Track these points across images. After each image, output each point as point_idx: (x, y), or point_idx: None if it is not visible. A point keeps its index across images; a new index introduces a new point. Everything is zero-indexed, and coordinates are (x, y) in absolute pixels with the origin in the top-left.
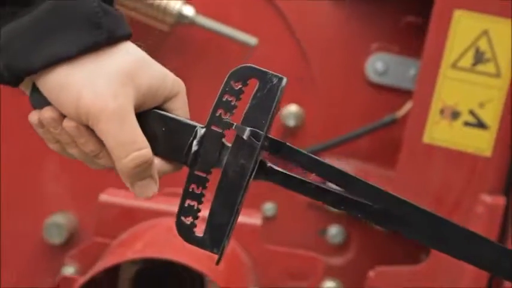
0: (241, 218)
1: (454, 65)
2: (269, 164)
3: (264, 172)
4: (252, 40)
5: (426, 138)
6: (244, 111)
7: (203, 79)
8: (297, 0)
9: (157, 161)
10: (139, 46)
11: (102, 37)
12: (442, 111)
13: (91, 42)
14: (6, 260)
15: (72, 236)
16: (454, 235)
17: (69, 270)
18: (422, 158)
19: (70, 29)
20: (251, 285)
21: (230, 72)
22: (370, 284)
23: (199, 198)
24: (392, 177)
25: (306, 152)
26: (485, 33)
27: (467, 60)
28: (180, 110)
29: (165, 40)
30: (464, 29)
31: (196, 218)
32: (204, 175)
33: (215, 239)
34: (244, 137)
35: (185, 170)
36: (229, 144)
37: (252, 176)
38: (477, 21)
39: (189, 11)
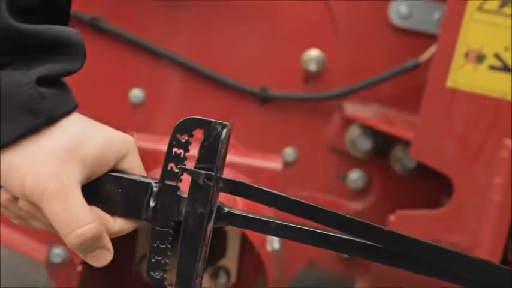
0: (262, 163)
1: (480, 8)
2: (227, 209)
3: (223, 217)
4: None
5: (450, 83)
6: (195, 161)
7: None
8: None
9: (119, 221)
10: None
11: (40, 121)
12: (466, 55)
13: (29, 128)
14: None
15: None
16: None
17: None
18: (445, 102)
19: (6, 116)
20: None
21: (175, 126)
22: (391, 228)
23: (165, 253)
24: (415, 122)
25: (262, 188)
26: None
27: (494, 2)
28: (133, 168)
29: None
30: None
31: (165, 271)
32: (166, 229)
33: None
34: (200, 181)
35: None
36: (186, 196)
37: (211, 223)
38: None
39: None
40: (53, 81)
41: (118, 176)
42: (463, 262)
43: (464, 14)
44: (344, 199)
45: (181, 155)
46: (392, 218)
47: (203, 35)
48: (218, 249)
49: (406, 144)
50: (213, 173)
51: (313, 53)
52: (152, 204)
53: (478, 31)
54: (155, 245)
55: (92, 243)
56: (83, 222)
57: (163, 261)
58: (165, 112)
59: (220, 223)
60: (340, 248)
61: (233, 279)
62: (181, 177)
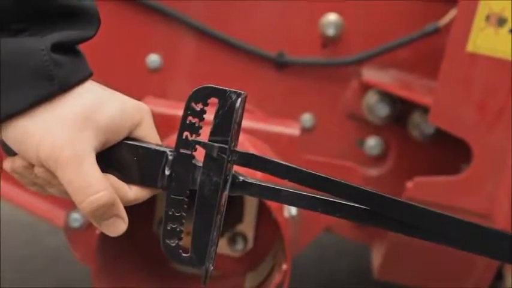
0: (279, 128)
1: None
2: (242, 178)
3: (238, 186)
4: None
5: (470, 47)
6: (210, 130)
7: None
8: None
9: (134, 189)
10: None
11: (54, 88)
12: (487, 18)
13: (43, 95)
14: None
15: None
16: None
17: None
18: (465, 67)
19: (22, 83)
20: None
21: (190, 94)
22: (408, 195)
23: (180, 221)
24: (434, 87)
25: (276, 160)
26: None
27: None
28: (147, 136)
29: None
30: None
31: (180, 239)
32: (181, 198)
33: (200, 257)
34: (214, 154)
35: (221, 84)
36: (201, 164)
37: (226, 191)
38: None
39: None
40: (68, 48)
41: (133, 144)
42: (467, 229)
43: None
44: (361, 165)
45: (196, 124)
46: (409, 184)
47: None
48: (235, 215)
49: (425, 110)
50: (226, 146)
51: (331, 17)
52: (167, 172)
53: None
54: (170, 213)
55: (105, 210)
56: (96, 189)
57: (178, 229)
58: (182, 77)
59: (235, 192)
60: (353, 216)
61: (250, 244)
62: (196, 146)
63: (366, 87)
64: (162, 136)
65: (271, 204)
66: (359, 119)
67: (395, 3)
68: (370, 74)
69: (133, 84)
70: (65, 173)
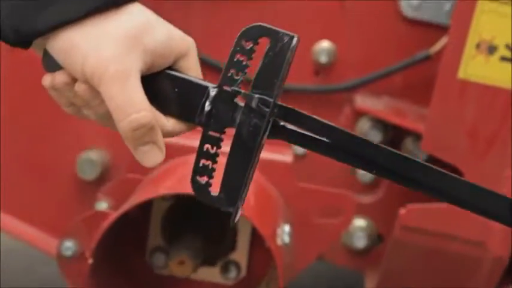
0: (273, 156)
1: None
2: (282, 123)
3: (278, 131)
4: None
5: (461, 74)
6: (256, 71)
7: None
8: None
9: (172, 121)
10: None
11: (108, 1)
12: (478, 46)
13: (98, 6)
14: (40, 196)
15: (105, 172)
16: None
17: (102, 205)
18: (456, 94)
19: None
20: (282, 222)
21: (241, 31)
22: (401, 222)
23: (213, 158)
24: (426, 114)
25: (314, 117)
26: None
27: None
28: (191, 69)
29: None
30: None
31: (211, 177)
32: (217, 135)
33: (230, 197)
34: (253, 105)
35: None
36: (242, 104)
37: (265, 135)
38: None
39: None
40: None
41: (175, 75)
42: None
43: (476, 5)
44: (355, 192)
45: (244, 62)
46: (402, 211)
47: (212, 26)
48: (228, 243)
49: (417, 137)
50: (271, 100)
51: (324, 44)
52: (207, 108)
53: (489, 22)
54: (204, 149)
55: (145, 132)
56: (139, 108)
57: (210, 167)
58: None
59: (274, 137)
60: (387, 175)
61: (243, 272)
62: (240, 84)
63: (359, 113)
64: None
65: (265, 232)
66: None
67: (387, 31)
68: (362, 100)
69: None
70: (109, 89)
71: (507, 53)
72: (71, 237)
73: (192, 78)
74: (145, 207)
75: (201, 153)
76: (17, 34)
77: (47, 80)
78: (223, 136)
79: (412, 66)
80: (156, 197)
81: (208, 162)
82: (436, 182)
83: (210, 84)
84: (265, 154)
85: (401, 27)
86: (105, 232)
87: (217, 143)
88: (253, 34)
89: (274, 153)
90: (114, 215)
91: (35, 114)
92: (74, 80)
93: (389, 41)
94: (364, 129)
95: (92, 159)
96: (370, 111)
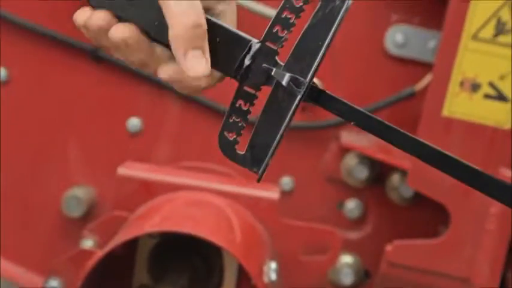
0: (259, 192)
1: (475, 36)
2: (320, 88)
3: (315, 95)
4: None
5: (445, 111)
6: (302, 31)
7: None
8: None
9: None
10: None
11: None
12: (462, 84)
13: None
14: (25, 233)
15: (90, 209)
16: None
17: (87, 243)
18: (441, 131)
19: None
20: (269, 259)
21: None
22: (387, 258)
23: (245, 115)
24: None
25: (345, 101)
26: (507, 2)
27: (488, 31)
28: (229, 20)
29: None
30: None
31: (239, 134)
32: (253, 92)
33: (256, 157)
34: (284, 83)
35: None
36: (282, 63)
37: (301, 98)
38: None
39: None
40: None
41: (219, 24)
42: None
43: (459, 43)
44: (341, 228)
45: (291, 20)
46: (389, 247)
47: None
48: (215, 280)
49: (403, 173)
50: (301, 79)
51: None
52: (247, 62)
53: (472, 60)
54: (237, 105)
55: (198, 34)
56: (199, 11)
57: (240, 124)
58: (163, 141)
59: (311, 101)
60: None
61: None
62: (284, 43)
63: (344, 150)
64: (142, 202)
65: (251, 270)
66: (338, 182)
67: (373, 68)
68: (348, 137)
69: (113, 149)
70: None
71: (491, 91)
72: (56, 275)
73: (235, 30)
74: (132, 244)
75: (232, 109)
76: None
77: (82, 17)
78: (258, 93)
79: (397, 103)
80: (142, 234)
81: (239, 119)
82: None
83: (252, 39)
84: (251, 191)
85: (387, 64)
86: (90, 271)
87: (251, 99)
88: None
89: (261, 190)
90: (100, 254)
91: (21, 151)
92: (109, 25)
93: (375, 78)
94: (351, 165)
95: (77, 196)
96: (356, 147)
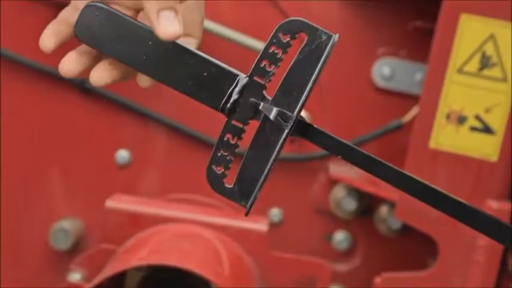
0: (247, 224)
1: (460, 70)
2: (308, 122)
3: (302, 129)
4: (258, 44)
5: (432, 143)
6: (289, 66)
7: None
8: (302, 2)
9: None
10: None
11: None
12: (448, 116)
13: None
14: (12, 266)
15: (78, 242)
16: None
17: (75, 276)
18: (428, 163)
19: None
20: None
21: (279, 24)
22: None
23: (233, 149)
24: None
25: (332, 135)
26: (491, 37)
27: (474, 64)
28: (196, 12)
29: None
30: (470, 33)
31: (227, 168)
32: (241, 126)
33: (245, 191)
34: (271, 117)
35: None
36: (270, 98)
37: (289, 132)
38: (483, 26)
39: None
40: None
41: (207, 59)
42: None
43: (445, 76)
44: (330, 260)
45: (278, 56)
46: (378, 280)
47: None
48: None
49: (391, 204)
50: (289, 113)
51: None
52: (235, 97)
53: (458, 93)
54: (225, 139)
55: None
56: None
57: (228, 158)
58: (151, 173)
59: (299, 135)
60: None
61: None
62: (271, 77)
63: (333, 182)
64: (130, 235)
65: None
66: (327, 214)
67: (360, 100)
68: (336, 168)
69: (101, 181)
70: None
71: (477, 124)
72: None
73: (223, 65)
74: (120, 278)
75: (220, 143)
76: None
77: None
78: (246, 128)
79: (385, 135)
80: (129, 267)
81: (227, 153)
82: None
83: (240, 73)
84: (240, 222)
85: (374, 96)
86: None
87: (239, 133)
88: (292, 28)
89: (249, 222)
90: (88, 287)
91: (8, 182)
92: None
93: (363, 110)
94: (339, 196)
95: (65, 229)
96: (344, 179)
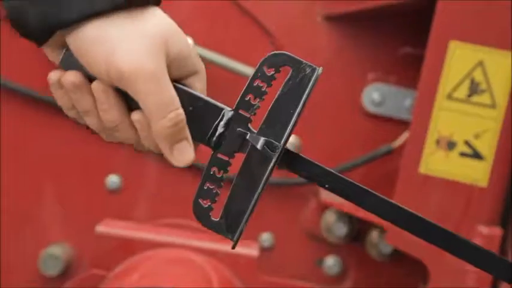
0: (238, 249)
1: (449, 96)
2: (294, 153)
3: (288, 160)
4: (249, 70)
5: (422, 169)
6: (274, 99)
7: None
8: (292, 29)
9: None
10: None
11: None
12: (437, 142)
13: (126, 1)
14: None
15: (68, 267)
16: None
17: None
18: (418, 188)
19: None
20: None
21: (264, 57)
22: None
23: (219, 182)
24: None
25: (320, 164)
26: (480, 64)
27: (463, 91)
28: (199, 89)
29: None
30: (459, 59)
31: (214, 201)
32: (226, 159)
33: (231, 224)
34: (259, 147)
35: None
36: (255, 131)
37: (275, 165)
38: (472, 52)
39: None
40: None
41: (192, 93)
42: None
43: (435, 102)
44: (321, 285)
45: (263, 89)
46: None
47: None
48: None
49: (382, 229)
50: (276, 143)
51: (290, 139)
52: (220, 130)
53: (448, 119)
54: (211, 172)
55: (181, 129)
56: (177, 105)
57: (214, 191)
58: (142, 198)
59: (284, 167)
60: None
61: None
62: (256, 111)
63: (324, 207)
64: (120, 260)
65: None
66: (318, 239)
67: (351, 125)
68: (327, 194)
69: (91, 206)
70: (147, 87)
71: (466, 149)
72: None
73: (209, 99)
74: None
75: (207, 176)
76: (42, 23)
77: (55, 75)
78: (231, 161)
79: (375, 160)
80: None
81: (213, 186)
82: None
83: (225, 107)
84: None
85: (364, 122)
86: None
87: (224, 167)
88: (277, 62)
89: (240, 247)
90: None
91: None
92: (85, 83)
93: (353, 136)
94: (330, 221)
95: (55, 254)
96: (335, 204)
